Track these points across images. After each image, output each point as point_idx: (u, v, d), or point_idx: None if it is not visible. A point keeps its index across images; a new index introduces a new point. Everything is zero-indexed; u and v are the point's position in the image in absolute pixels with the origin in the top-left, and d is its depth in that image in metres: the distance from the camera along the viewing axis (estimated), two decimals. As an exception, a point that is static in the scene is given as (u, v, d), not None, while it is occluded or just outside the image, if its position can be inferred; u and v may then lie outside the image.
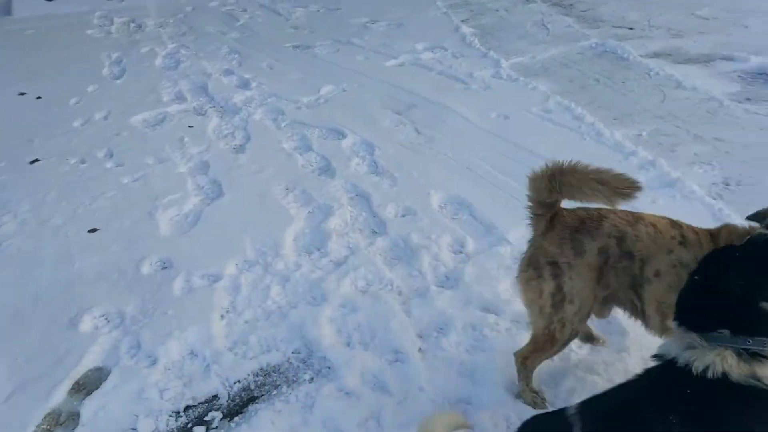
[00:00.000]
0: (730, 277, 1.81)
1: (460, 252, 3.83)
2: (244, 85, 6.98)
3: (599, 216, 2.46)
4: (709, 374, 1.76)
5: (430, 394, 2.86)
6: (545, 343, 2.63)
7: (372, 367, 3.05)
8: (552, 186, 2.39)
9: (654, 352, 2.02)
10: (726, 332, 1.80)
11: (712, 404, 1.77)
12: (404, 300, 3.48)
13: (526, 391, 2.79)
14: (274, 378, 3.07)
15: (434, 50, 7.55)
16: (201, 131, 5.86)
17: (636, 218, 2.43)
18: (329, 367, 3.08)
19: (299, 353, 3.20)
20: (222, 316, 3.48)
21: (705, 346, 1.81)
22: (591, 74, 6.26)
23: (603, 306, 2.68)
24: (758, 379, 1.74)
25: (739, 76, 5.76)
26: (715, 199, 4.06)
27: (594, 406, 1.98)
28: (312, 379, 3.04)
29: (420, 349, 3.13)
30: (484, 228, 4.03)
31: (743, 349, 1.76)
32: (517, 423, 2.67)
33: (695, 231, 2.38)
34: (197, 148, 5.50)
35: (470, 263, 3.68)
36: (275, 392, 2.99)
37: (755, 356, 1.76)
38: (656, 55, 6.54)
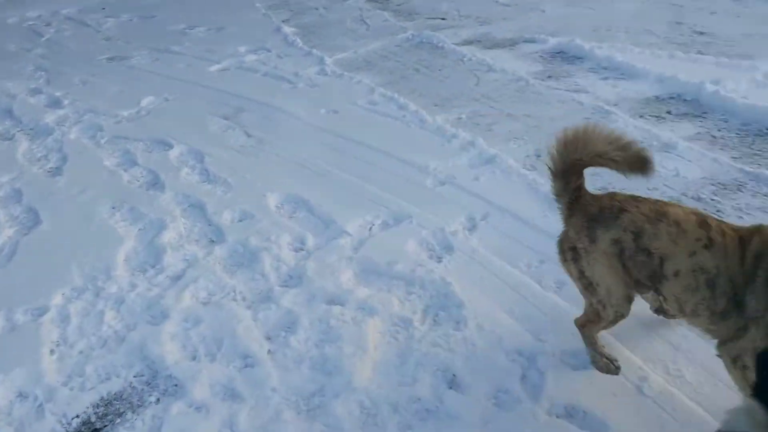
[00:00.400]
0: None
1: (301, 249, 3.85)
2: (55, 103, 6.48)
3: (620, 209, 2.41)
4: None
5: (283, 393, 2.86)
6: (595, 317, 2.68)
7: (221, 377, 2.98)
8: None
9: (719, 427, 1.74)
10: None
11: None
12: (249, 305, 3.43)
13: (596, 356, 2.80)
14: (117, 406, 2.90)
15: (257, 52, 7.49)
16: (9, 157, 5.35)
17: (659, 214, 2.33)
18: (176, 385, 2.97)
19: (142, 376, 3.04)
20: (52, 351, 3.22)
21: None
22: (410, 65, 6.55)
23: (638, 289, 2.59)
24: None
25: (541, 56, 6.33)
26: (529, 170, 4.42)
27: None
28: (158, 399, 2.91)
29: (269, 351, 3.11)
30: (323, 223, 4.07)
31: None
32: (372, 408, 2.77)
33: (723, 232, 2.22)
34: (7, 176, 5.03)
35: (311, 259, 3.71)
36: (119, 420, 2.82)
37: None
38: (468, 42, 6.99)
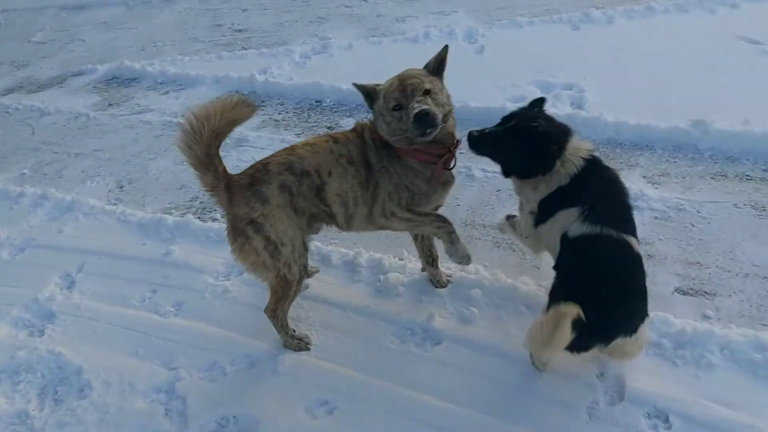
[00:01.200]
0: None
1: None
2: None
3: (263, 165, 2.70)
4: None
5: None
6: (282, 289, 2.77)
7: None
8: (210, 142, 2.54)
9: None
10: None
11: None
12: None
13: (288, 340, 2.95)
14: None
15: None
16: None
17: (291, 148, 2.75)
18: None
19: None
20: None
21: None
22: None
23: (310, 228, 2.86)
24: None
25: (94, 87, 6.05)
26: (115, 204, 4.23)
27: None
28: None
29: None
30: None
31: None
32: None
33: (342, 133, 2.82)
34: None
35: None
36: None
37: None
38: (9, 90, 6.32)
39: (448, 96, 2.72)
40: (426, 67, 2.70)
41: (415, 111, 2.48)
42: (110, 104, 5.68)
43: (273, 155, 2.77)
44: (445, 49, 2.71)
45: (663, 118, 4.15)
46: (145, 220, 3.96)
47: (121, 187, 4.44)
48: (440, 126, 2.57)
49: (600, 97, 4.53)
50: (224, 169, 2.67)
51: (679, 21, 5.50)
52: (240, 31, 7.05)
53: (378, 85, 2.70)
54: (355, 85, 2.75)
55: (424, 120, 2.48)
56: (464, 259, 2.83)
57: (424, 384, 2.69)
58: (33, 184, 4.53)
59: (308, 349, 2.97)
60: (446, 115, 2.65)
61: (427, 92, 2.56)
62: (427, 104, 2.51)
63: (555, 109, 4.43)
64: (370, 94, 2.70)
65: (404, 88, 2.55)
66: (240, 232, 2.67)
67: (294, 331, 3.00)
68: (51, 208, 4.21)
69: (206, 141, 2.54)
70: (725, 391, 2.53)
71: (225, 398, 2.81)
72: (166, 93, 5.74)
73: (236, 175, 2.73)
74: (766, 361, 2.62)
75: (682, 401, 2.50)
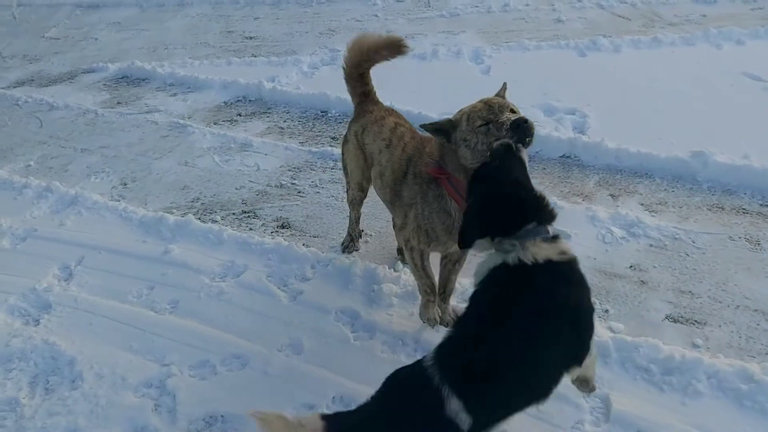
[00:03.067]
0: (510, 186, 2.11)
1: None
2: None
3: (367, 111, 3.14)
4: (538, 260, 1.98)
5: None
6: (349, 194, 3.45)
7: None
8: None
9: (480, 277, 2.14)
10: (533, 225, 2.04)
11: (546, 279, 2.00)
12: None
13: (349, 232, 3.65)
14: None
15: None
16: None
17: (379, 119, 3.07)
18: None
19: None
20: None
21: (519, 244, 2.01)
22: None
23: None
24: (563, 253, 2.03)
25: (104, 85, 6.12)
26: (118, 200, 4.27)
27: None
28: None
29: None
30: None
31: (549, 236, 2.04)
32: None
33: (402, 136, 2.93)
34: None
35: None
36: None
37: (555, 238, 2.05)
38: (19, 83, 6.38)
39: None
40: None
41: (513, 118, 2.36)
42: (119, 102, 5.75)
43: (381, 110, 3.14)
44: (504, 86, 2.71)
45: (664, 148, 4.20)
46: (146, 218, 4.00)
47: (125, 184, 4.49)
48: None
49: (602, 123, 4.59)
50: (364, 91, 3.20)
51: (684, 54, 5.58)
52: (251, 38, 7.14)
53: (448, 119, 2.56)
54: (423, 126, 2.57)
55: (523, 127, 2.33)
56: (429, 322, 3.03)
57: (412, 394, 2.71)
58: (38, 176, 4.58)
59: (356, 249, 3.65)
60: None
61: (513, 111, 2.47)
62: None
63: (557, 132, 4.50)
64: (444, 128, 2.53)
65: (491, 106, 2.45)
66: (345, 138, 3.31)
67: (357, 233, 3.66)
68: (54, 200, 4.25)
69: (351, 64, 3.14)
70: (710, 420, 2.55)
71: (214, 397, 2.84)
72: (175, 95, 5.81)
73: (370, 101, 3.22)
74: (752, 392, 2.64)
75: (667, 426, 2.53)
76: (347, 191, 3.45)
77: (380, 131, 3.00)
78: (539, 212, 2.09)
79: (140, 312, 3.34)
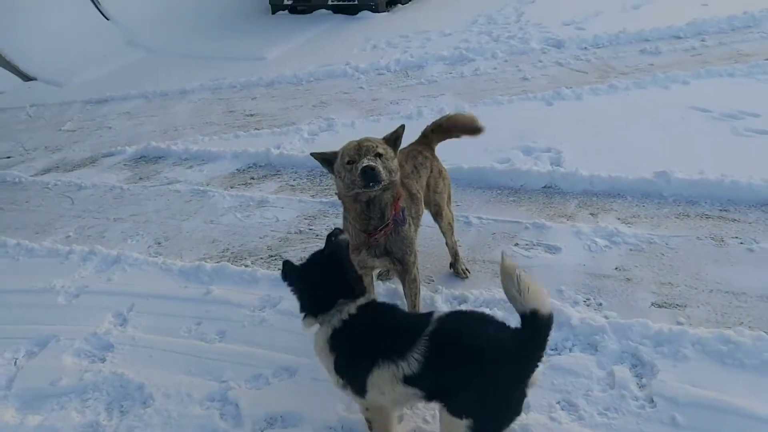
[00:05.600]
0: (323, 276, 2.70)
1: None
2: None
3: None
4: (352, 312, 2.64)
5: None
6: None
7: None
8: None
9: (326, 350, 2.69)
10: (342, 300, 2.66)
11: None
12: None
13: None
14: None
15: None
16: None
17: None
18: None
19: None
20: None
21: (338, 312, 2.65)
22: (-7, 205, 6.22)
23: None
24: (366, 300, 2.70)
25: (125, 165, 6.70)
26: (155, 256, 4.75)
27: None
28: None
29: None
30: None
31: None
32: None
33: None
34: None
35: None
36: None
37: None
38: (46, 171, 6.93)
39: (398, 168, 3.08)
40: (384, 138, 3.11)
41: (363, 165, 2.86)
42: (141, 178, 6.31)
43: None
44: (402, 127, 3.17)
45: (631, 171, 4.83)
46: (185, 268, 4.48)
47: (159, 243, 4.98)
48: (382, 183, 2.93)
49: (575, 157, 5.23)
50: (433, 145, 3.80)
51: (638, 95, 6.34)
52: (252, 115, 7.83)
53: (333, 152, 3.10)
54: (312, 154, 3.16)
55: (369, 174, 2.86)
56: None
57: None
58: (79, 243, 5.04)
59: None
60: (391, 182, 3.01)
61: (379, 155, 2.94)
62: (376, 163, 2.88)
63: (537, 167, 5.13)
64: (328, 159, 3.09)
65: (360, 148, 2.94)
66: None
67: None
68: (99, 261, 4.71)
69: (437, 133, 3.79)
70: (698, 376, 3.05)
71: (272, 401, 3.25)
72: (191, 167, 6.39)
73: (429, 149, 3.77)
74: (731, 351, 3.16)
75: (663, 386, 3.02)
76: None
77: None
78: (345, 290, 2.69)
79: (192, 343, 3.77)
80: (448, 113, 3.90)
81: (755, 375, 3.04)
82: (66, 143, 7.75)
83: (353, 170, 2.94)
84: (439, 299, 3.81)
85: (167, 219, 5.35)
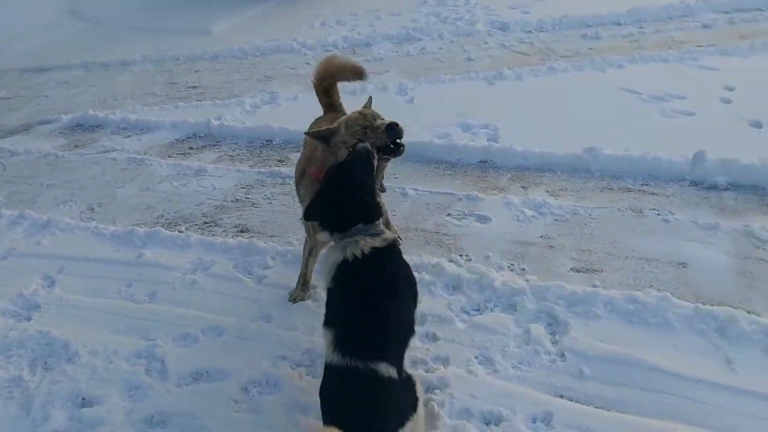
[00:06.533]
0: (348, 191, 2.61)
1: None
2: None
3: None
4: (365, 252, 2.56)
5: None
6: None
7: None
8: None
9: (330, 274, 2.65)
10: (361, 225, 2.61)
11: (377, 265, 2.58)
12: None
13: None
14: None
15: None
16: None
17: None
18: None
19: None
20: None
21: (353, 241, 2.58)
22: None
23: None
24: (385, 240, 2.63)
25: (60, 132, 6.57)
26: (88, 221, 4.70)
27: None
28: None
29: None
30: None
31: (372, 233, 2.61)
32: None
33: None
34: None
35: None
36: None
37: (376, 234, 2.62)
38: (-22, 137, 6.76)
39: None
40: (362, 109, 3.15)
41: (387, 122, 2.92)
42: (76, 146, 6.19)
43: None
44: (369, 99, 3.31)
45: (561, 147, 5.00)
46: (117, 232, 4.45)
47: (92, 209, 4.93)
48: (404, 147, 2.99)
49: (511, 133, 5.38)
50: (329, 102, 3.75)
51: (575, 77, 6.53)
52: (194, 87, 7.74)
53: (328, 128, 3.07)
54: (306, 134, 3.19)
55: (396, 129, 2.87)
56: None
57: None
58: (9, 208, 4.95)
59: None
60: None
61: (382, 119, 2.98)
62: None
63: (473, 142, 5.26)
64: (324, 135, 3.06)
65: (365, 115, 3.00)
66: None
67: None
68: (28, 225, 4.64)
69: (317, 78, 3.73)
70: (607, 334, 3.23)
71: (198, 359, 3.30)
72: (129, 136, 6.30)
73: (323, 118, 3.69)
74: (638, 310, 3.34)
75: (574, 342, 3.19)
76: None
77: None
78: (366, 214, 2.65)
79: (122, 304, 3.77)
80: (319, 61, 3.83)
81: (659, 332, 3.23)
82: (0, 109, 7.53)
83: (368, 134, 2.90)
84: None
85: (102, 186, 5.29)
